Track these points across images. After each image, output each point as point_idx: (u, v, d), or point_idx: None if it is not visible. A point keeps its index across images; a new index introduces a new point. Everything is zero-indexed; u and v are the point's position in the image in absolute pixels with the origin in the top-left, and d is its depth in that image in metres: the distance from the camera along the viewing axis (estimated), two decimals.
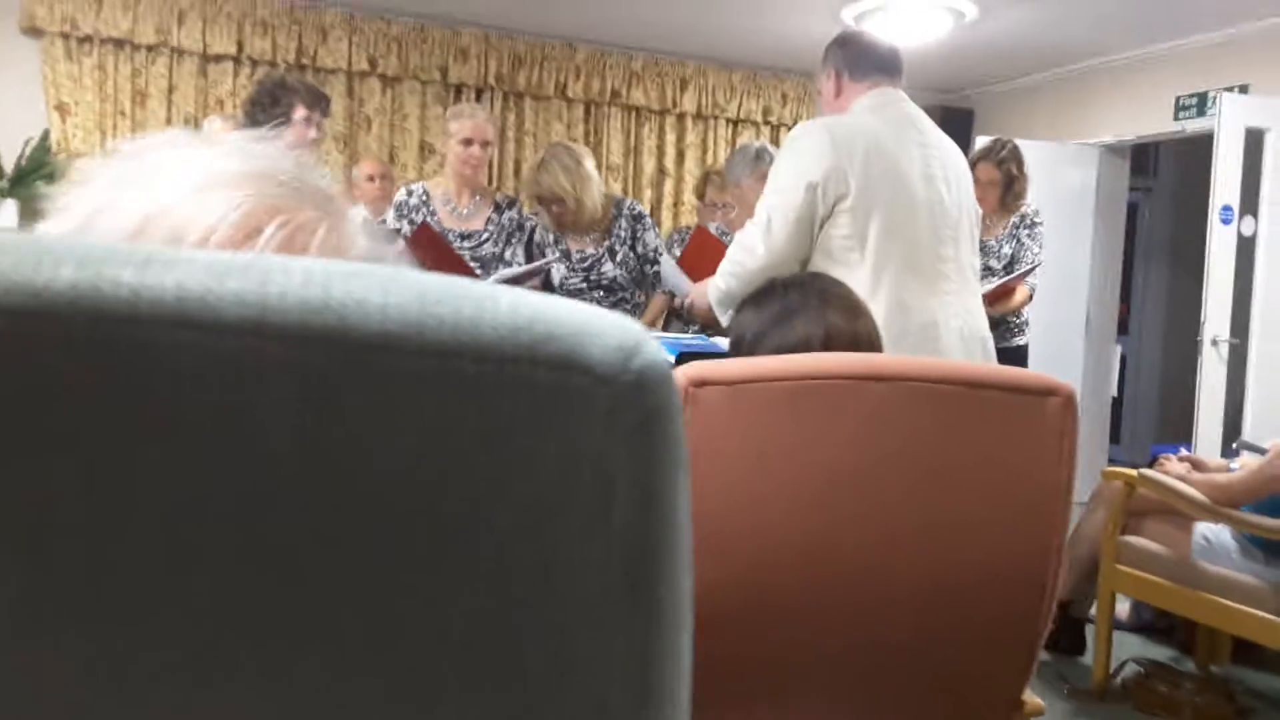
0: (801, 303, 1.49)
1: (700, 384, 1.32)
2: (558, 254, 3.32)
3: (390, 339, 0.34)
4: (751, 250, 2.20)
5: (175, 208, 0.47)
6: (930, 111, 2.85)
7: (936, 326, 2.13)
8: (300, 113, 2.74)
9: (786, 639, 1.36)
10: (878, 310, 1.56)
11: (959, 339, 2.15)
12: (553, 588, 0.36)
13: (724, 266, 2.27)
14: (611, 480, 0.36)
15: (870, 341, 1.48)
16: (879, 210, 2.13)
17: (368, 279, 0.35)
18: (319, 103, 2.79)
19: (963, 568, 1.36)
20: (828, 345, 1.45)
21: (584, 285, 3.31)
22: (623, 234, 3.36)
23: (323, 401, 0.34)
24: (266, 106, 2.73)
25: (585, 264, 3.32)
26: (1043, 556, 1.37)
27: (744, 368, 1.32)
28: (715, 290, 2.31)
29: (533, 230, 3.38)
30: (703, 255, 3.14)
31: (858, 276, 2.02)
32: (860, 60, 2.31)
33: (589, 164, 3.29)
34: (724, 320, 2.22)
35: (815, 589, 1.34)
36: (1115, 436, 6.70)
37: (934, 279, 2.17)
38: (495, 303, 0.36)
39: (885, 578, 1.35)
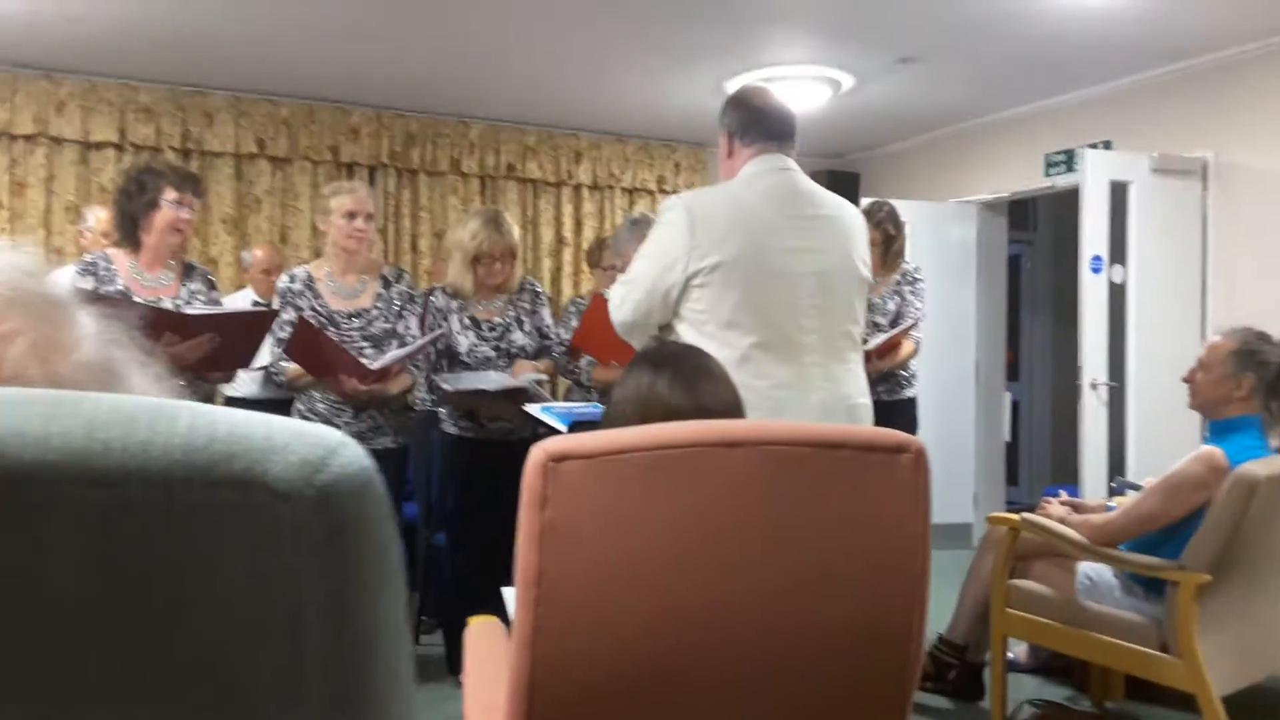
0: (637, 380, 1.53)
1: (560, 459, 1.32)
2: (465, 321, 3.35)
3: (51, 469, 0.34)
4: (615, 306, 2.37)
5: None
6: (817, 176, 2.90)
7: (792, 397, 2.18)
8: (170, 195, 2.71)
9: (659, 706, 1.35)
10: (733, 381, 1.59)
11: (819, 408, 2.20)
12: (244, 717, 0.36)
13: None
14: (301, 601, 0.36)
15: (707, 409, 1.50)
16: (736, 285, 2.20)
17: (32, 407, 0.35)
18: (188, 184, 2.77)
19: (829, 626, 1.37)
20: (666, 417, 1.47)
21: (493, 353, 3.36)
22: (526, 306, 3.47)
23: None
24: (134, 195, 2.70)
25: (495, 332, 3.39)
26: (906, 609, 1.39)
27: (602, 440, 1.33)
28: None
29: (431, 299, 3.39)
30: (603, 321, 3.13)
31: (713, 348, 2.05)
32: (750, 126, 2.37)
33: None
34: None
35: (684, 655, 1.34)
36: (1013, 479, 6.89)
37: (794, 350, 2.23)
38: (172, 424, 0.36)
39: (754, 640, 1.35)
